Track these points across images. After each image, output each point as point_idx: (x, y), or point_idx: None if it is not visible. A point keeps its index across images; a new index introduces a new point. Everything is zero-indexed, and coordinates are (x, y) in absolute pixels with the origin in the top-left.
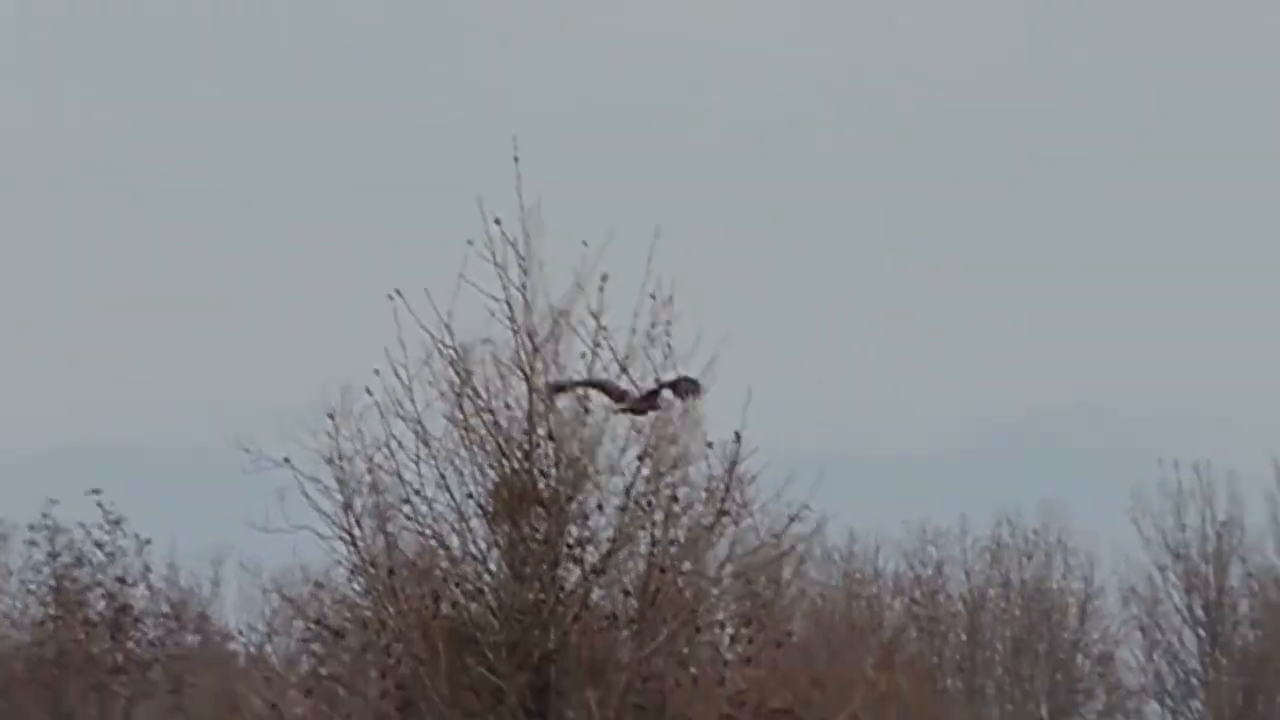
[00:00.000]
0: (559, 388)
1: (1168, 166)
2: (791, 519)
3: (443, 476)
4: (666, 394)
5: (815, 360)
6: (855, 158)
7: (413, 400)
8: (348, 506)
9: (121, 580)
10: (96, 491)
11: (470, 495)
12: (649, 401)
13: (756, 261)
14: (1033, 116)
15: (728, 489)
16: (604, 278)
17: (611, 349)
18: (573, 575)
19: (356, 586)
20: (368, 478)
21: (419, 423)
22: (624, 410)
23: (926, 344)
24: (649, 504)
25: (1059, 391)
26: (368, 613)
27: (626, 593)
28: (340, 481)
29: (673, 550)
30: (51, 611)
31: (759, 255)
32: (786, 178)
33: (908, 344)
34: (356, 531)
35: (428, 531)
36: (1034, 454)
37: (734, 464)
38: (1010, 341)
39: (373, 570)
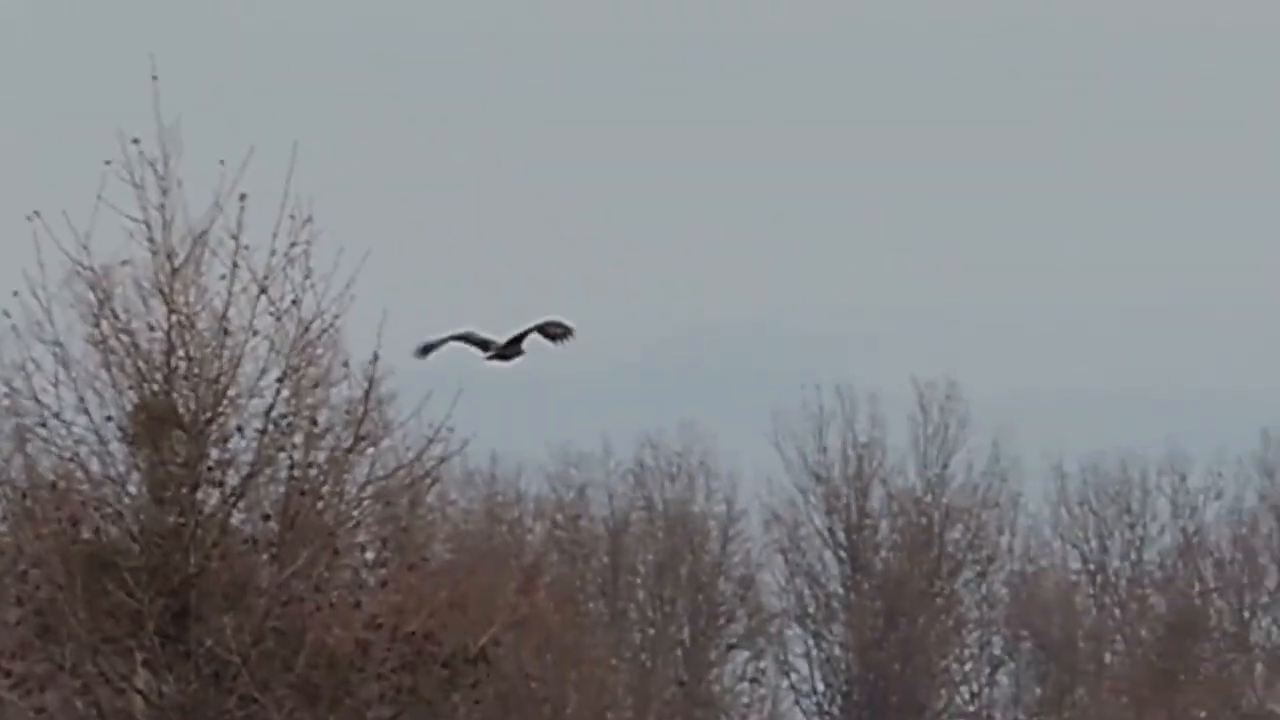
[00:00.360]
0: (428, 348)
1: (826, 85)
2: (430, 441)
3: (82, 399)
4: (535, 337)
5: (459, 278)
6: (493, 75)
7: (52, 322)
8: None
9: None
10: None
11: (110, 418)
12: (515, 347)
13: (397, 178)
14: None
15: (366, 411)
16: (243, 197)
17: (251, 270)
18: (212, 499)
19: None
20: (5, 401)
21: (58, 345)
22: (492, 358)
23: (573, 262)
24: (289, 427)
25: (701, 313)
26: (4, 538)
27: (266, 517)
28: None
29: (312, 473)
30: None
31: (400, 172)
32: (431, 95)
33: (554, 261)
34: None
35: (66, 454)
36: (675, 376)
37: (372, 385)
38: (653, 262)
39: (9, 493)
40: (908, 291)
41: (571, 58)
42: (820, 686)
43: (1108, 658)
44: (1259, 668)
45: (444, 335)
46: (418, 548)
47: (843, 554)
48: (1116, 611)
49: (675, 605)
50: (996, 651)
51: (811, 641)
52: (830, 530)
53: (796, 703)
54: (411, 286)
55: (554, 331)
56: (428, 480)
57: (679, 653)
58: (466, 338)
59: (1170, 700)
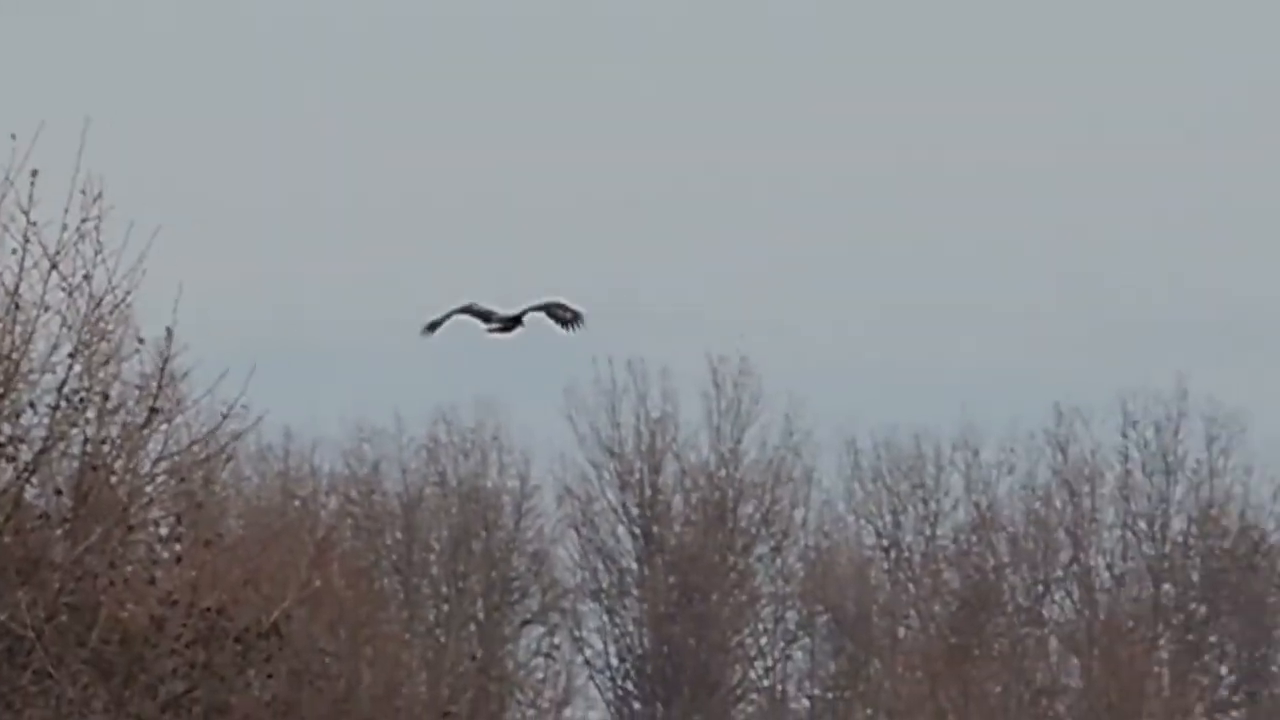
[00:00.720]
0: (434, 325)
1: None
2: (224, 417)
3: None
4: (537, 315)
5: (255, 251)
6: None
7: None
8: None
9: None
10: None
11: None
12: (518, 321)
13: (191, 153)
14: None
15: (160, 387)
16: (34, 173)
17: (42, 245)
18: (5, 474)
19: None
20: None
21: None
22: (493, 330)
23: (337, 237)
24: (81, 402)
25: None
26: None
27: (59, 492)
28: None
29: (106, 449)
30: None
31: (196, 147)
32: (229, 70)
33: (326, 238)
34: None
35: None
36: (470, 352)
37: (166, 361)
38: (442, 236)
39: None
40: (700, 267)
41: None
42: (614, 661)
43: (902, 632)
44: (1052, 642)
45: (448, 311)
46: (211, 523)
47: (636, 529)
48: (910, 586)
49: (469, 581)
50: (791, 626)
51: (605, 617)
52: (624, 505)
53: (590, 678)
54: (208, 261)
55: (563, 316)
56: (222, 456)
57: (473, 628)
58: (468, 309)
59: (964, 675)
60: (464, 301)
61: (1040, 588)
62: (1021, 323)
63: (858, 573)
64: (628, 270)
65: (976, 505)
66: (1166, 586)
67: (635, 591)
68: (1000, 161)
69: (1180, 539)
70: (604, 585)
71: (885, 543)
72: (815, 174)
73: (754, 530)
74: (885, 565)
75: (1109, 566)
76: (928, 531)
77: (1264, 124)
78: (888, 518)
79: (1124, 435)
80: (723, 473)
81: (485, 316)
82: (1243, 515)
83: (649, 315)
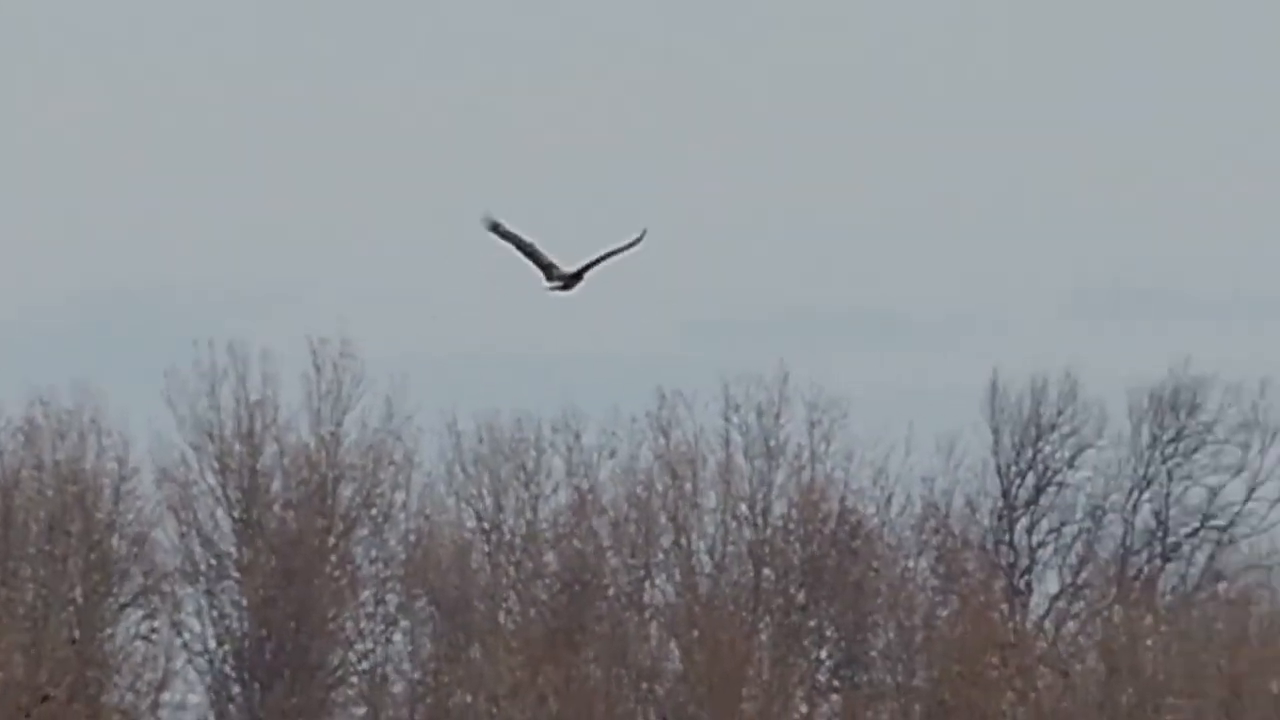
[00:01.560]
0: (497, 227)
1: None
2: None
3: None
4: (595, 270)
5: None
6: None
7: None
8: None
9: None
10: None
11: None
12: (577, 278)
13: None
14: None
15: None
16: None
17: None
18: None
19: None
20: None
21: None
22: (553, 287)
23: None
24: None
25: (95, 273)
26: None
27: None
28: None
29: None
30: None
31: None
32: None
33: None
34: None
35: None
36: (69, 335)
37: None
38: (46, 224)
39: None
40: (296, 250)
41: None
42: (213, 645)
43: (503, 616)
44: (654, 626)
45: (516, 232)
46: None
47: (235, 513)
48: (511, 570)
49: (67, 564)
50: (392, 609)
51: (204, 600)
52: (223, 488)
53: (189, 661)
54: None
55: (627, 247)
56: None
57: (71, 611)
58: (532, 250)
59: (566, 659)
60: (531, 238)
61: (641, 572)
62: (623, 306)
63: (459, 555)
64: (237, 254)
65: (578, 489)
66: (767, 571)
67: (235, 575)
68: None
69: (781, 523)
70: (203, 568)
71: (486, 525)
72: (413, 158)
73: (354, 513)
74: (486, 548)
75: (710, 551)
76: (529, 515)
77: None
78: (489, 500)
79: (726, 419)
80: (323, 455)
81: (547, 270)
82: (843, 501)
83: (249, 298)
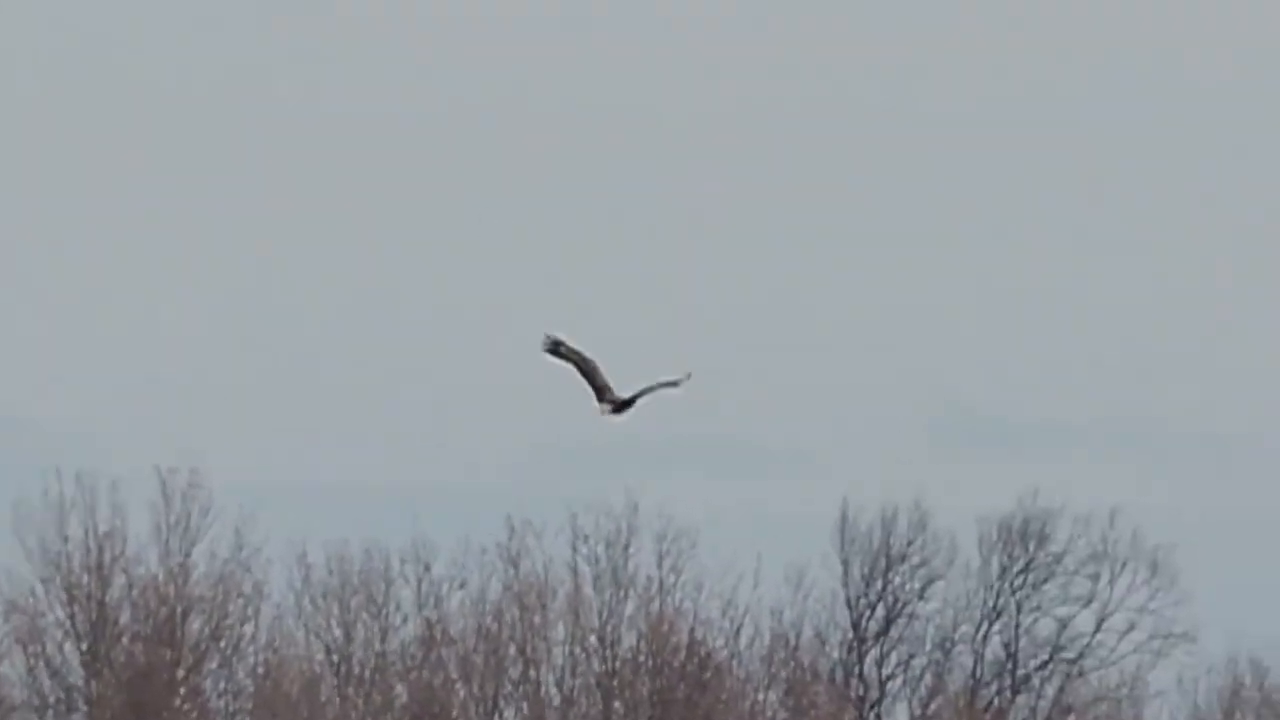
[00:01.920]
0: (559, 345)
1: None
2: None
3: None
4: (643, 400)
5: None
6: None
7: None
8: None
9: None
10: None
11: None
12: (629, 405)
13: None
14: None
15: None
16: None
17: None
18: None
19: None
20: None
21: None
22: (604, 411)
23: None
24: None
25: None
26: None
27: None
28: None
29: None
30: None
31: None
32: None
33: None
34: None
35: None
36: None
37: None
38: None
39: None
40: (150, 378)
41: None
42: None
43: None
44: None
45: (580, 350)
46: None
47: (84, 645)
48: (360, 702)
49: None
50: None
51: None
52: (71, 620)
53: None
54: None
55: (671, 383)
56: None
57: None
58: (593, 370)
59: None
60: (593, 356)
61: (490, 703)
62: (475, 438)
63: (308, 688)
64: (85, 383)
65: (427, 620)
66: (616, 704)
67: (83, 708)
68: None
69: (630, 655)
70: (51, 701)
71: (335, 657)
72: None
73: (203, 646)
74: (335, 681)
75: (558, 683)
76: (378, 646)
77: None
78: (338, 632)
79: (574, 550)
80: (171, 587)
81: (600, 391)
82: (692, 632)
83: (101, 428)
